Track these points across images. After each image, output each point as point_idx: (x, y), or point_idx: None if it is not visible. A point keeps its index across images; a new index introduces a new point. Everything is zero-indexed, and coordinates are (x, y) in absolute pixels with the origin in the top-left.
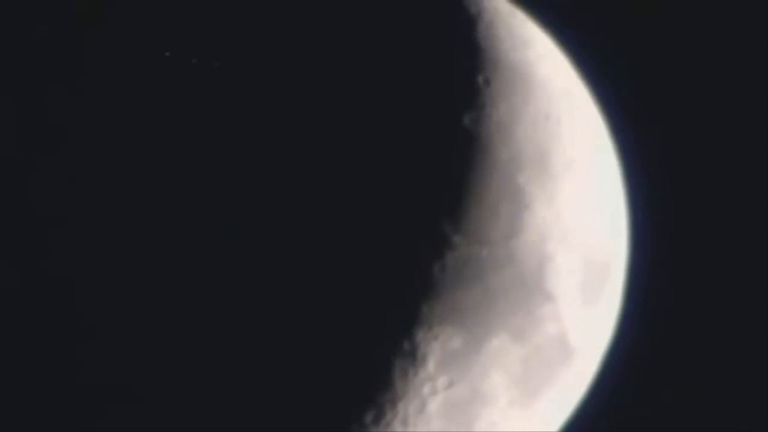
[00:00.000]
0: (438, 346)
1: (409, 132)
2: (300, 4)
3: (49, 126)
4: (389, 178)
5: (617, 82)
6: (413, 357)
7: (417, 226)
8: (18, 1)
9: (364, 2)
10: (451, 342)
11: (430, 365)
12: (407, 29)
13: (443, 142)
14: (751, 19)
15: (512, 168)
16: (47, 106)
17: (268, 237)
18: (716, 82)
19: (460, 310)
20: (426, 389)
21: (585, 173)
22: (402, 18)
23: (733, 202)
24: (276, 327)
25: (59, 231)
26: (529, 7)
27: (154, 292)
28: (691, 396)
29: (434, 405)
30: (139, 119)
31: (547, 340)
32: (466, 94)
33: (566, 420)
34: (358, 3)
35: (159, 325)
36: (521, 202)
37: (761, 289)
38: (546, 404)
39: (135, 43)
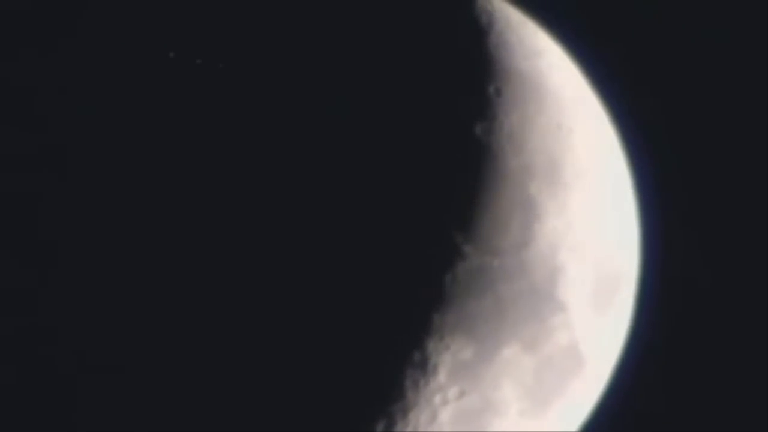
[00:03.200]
0: (449, 356)
1: (420, 142)
2: (309, 11)
3: (53, 127)
4: (400, 188)
5: (628, 92)
6: (424, 367)
7: (428, 236)
8: (23, 2)
9: (374, 11)
10: (463, 352)
11: (441, 375)
12: (418, 39)
13: (455, 152)
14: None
15: (524, 178)
16: (51, 108)
17: (277, 247)
18: (728, 92)
19: (472, 320)
20: (437, 399)
21: (596, 183)
22: (413, 28)
23: (745, 211)
24: (287, 337)
25: (63, 230)
26: (540, 17)
27: (160, 303)
28: (702, 405)
29: (445, 415)
30: (143, 120)
31: (559, 350)
32: (477, 104)
33: (577, 430)
34: (369, 12)
35: (166, 339)
36: (533, 212)
37: None
38: (557, 414)
39: (139, 44)
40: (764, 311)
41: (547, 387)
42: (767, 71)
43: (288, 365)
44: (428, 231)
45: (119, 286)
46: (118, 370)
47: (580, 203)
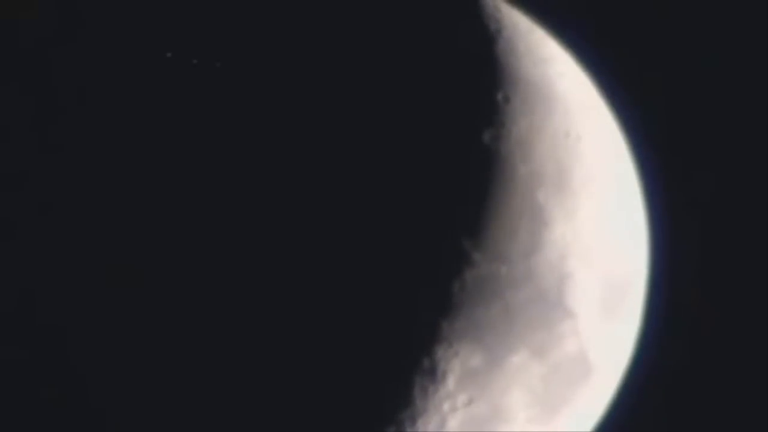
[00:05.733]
0: (458, 364)
1: (428, 149)
2: (312, 12)
3: (50, 127)
4: (409, 194)
5: (637, 99)
6: (433, 374)
7: (437, 243)
8: (21, 2)
9: (381, 17)
10: (471, 359)
11: (450, 382)
12: (426, 45)
13: (463, 159)
14: None
15: (532, 185)
16: (49, 108)
17: (283, 252)
18: (737, 98)
19: (480, 328)
20: (446, 406)
21: (605, 190)
22: (421, 34)
23: (754, 218)
24: (295, 344)
25: (60, 230)
26: (549, 24)
27: (162, 307)
28: (711, 412)
29: (454, 422)
30: (140, 120)
31: (567, 357)
32: (485, 111)
33: None
34: (376, 18)
35: (169, 346)
36: (541, 219)
37: None
38: (566, 421)
39: (137, 44)
40: None
41: (555, 394)
42: None
43: (296, 372)
44: (436, 238)
45: (118, 286)
46: (118, 370)
47: (589, 210)
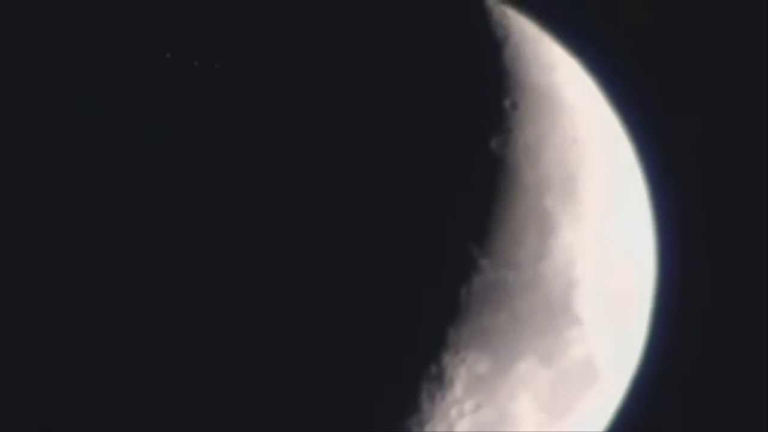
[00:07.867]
0: (465, 370)
1: (435, 155)
2: (315, 15)
3: (49, 128)
4: (416, 200)
5: (644, 105)
6: (440, 381)
7: (444, 249)
8: (20, 3)
9: (388, 23)
10: (479, 366)
11: (458, 389)
12: (434, 52)
13: (470, 166)
14: None
15: (539, 192)
16: (47, 109)
17: (288, 260)
18: (746, 103)
19: (487, 334)
20: (453, 412)
21: (612, 196)
22: (428, 41)
23: (763, 221)
24: (302, 350)
25: (58, 231)
26: (556, 30)
27: (163, 310)
28: (719, 419)
29: (462, 428)
30: (140, 121)
31: (574, 364)
32: (492, 118)
33: None
34: (383, 25)
35: (169, 350)
36: (548, 225)
37: None
38: (573, 428)
39: (136, 45)
40: None
41: (562, 400)
42: None
43: (303, 378)
44: (444, 244)
45: (118, 287)
46: (118, 371)
47: (596, 216)
